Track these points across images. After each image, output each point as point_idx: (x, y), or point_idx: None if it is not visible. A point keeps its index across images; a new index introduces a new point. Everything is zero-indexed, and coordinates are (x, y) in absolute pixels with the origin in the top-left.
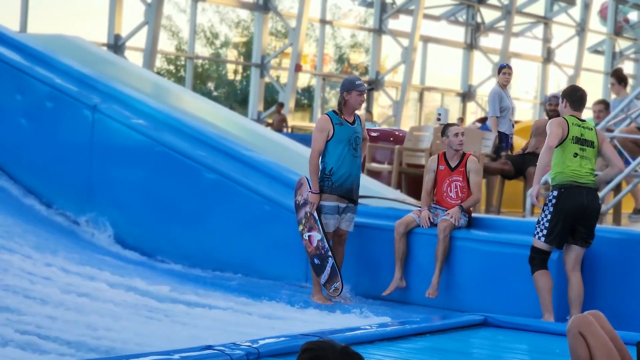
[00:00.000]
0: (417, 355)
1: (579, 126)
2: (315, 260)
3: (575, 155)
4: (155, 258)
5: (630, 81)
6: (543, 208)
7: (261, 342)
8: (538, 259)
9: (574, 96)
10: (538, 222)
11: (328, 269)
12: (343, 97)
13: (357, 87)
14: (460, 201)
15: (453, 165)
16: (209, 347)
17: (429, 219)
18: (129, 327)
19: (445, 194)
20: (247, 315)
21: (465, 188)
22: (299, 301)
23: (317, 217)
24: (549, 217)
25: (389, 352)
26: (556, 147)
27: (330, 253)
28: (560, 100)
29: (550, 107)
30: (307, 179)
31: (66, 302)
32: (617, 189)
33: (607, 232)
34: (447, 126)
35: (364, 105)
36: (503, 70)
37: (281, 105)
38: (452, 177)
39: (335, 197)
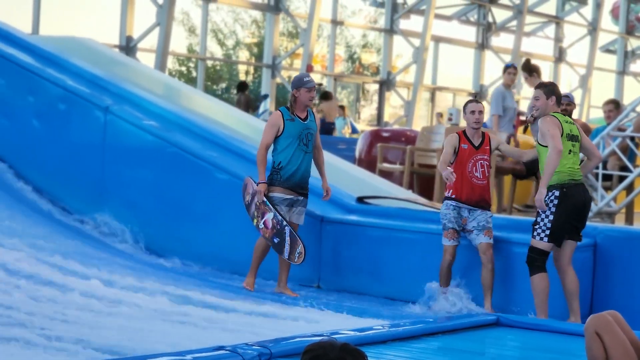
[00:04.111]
0: (429, 355)
1: (567, 122)
2: (275, 240)
3: (570, 152)
4: (166, 258)
5: None
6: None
7: (273, 343)
8: (540, 261)
9: (558, 92)
10: (536, 223)
11: (287, 238)
12: (293, 94)
13: (305, 84)
14: (486, 181)
15: (476, 143)
16: (221, 348)
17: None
18: (139, 327)
19: (470, 173)
20: (259, 316)
21: (489, 167)
22: (310, 302)
23: (266, 200)
24: (550, 217)
25: (402, 352)
26: None
27: (284, 223)
28: (544, 97)
29: (562, 107)
30: (251, 178)
31: (77, 303)
32: (630, 188)
33: (619, 232)
34: (467, 103)
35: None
36: (508, 70)
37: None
38: (477, 155)
39: (283, 189)
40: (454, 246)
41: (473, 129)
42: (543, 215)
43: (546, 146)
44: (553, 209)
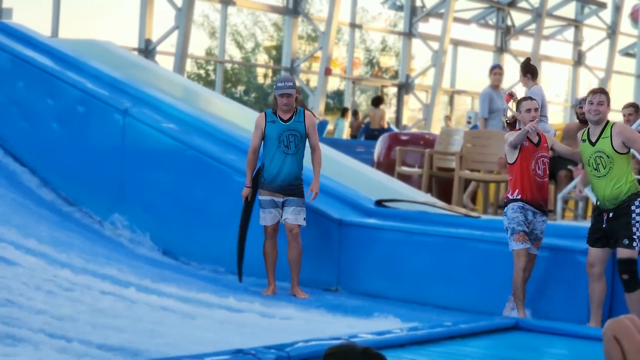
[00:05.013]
0: (448, 359)
1: None
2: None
3: None
4: (185, 261)
5: None
6: (634, 217)
7: (291, 346)
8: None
9: None
10: (634, 233)
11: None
12: (274, 96)
13: (277, 89)
14: (547, 178)
15: (535, 141)
16: (240, 351)
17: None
18: (158, 330)
19: (533, 171)
20: (277, 319)
21: (548, 165)
22: (328, 305)
23: (242, 210)
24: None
25: (420, 356)
26: (627, 153)
27: (237, 245)
28: (606, 103)
29: (581, 110)
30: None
31: (96, 306)
32: None
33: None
34: (520, 101)
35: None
36: (494, 71)
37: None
38: (538, 152)
39: (268, 192)
40: (527, 249)
41: None
42: (638, 225)
43: (624, 154)
44: None
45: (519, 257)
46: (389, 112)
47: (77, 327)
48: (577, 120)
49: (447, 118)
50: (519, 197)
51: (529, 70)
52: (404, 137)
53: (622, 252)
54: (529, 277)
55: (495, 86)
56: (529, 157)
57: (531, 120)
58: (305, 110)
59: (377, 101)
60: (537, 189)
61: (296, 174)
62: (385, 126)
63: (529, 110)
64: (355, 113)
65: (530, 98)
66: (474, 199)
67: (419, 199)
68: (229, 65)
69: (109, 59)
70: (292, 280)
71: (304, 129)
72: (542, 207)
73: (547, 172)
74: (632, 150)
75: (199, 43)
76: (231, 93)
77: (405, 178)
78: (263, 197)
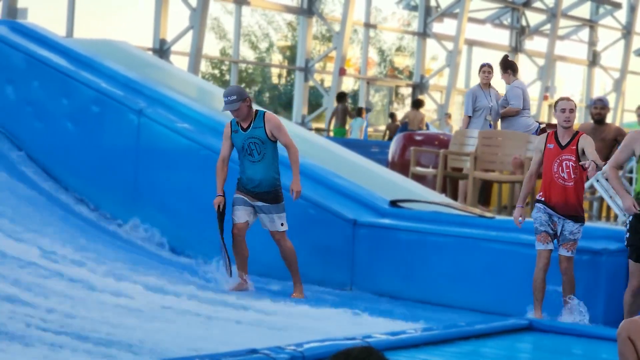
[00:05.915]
0: (462, 359)
1: None
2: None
3: None
4: (200, 261)
5: None
6: None
7: (306, 346)
8: None
9: None
10: None
11: (221, 260)
12: None
13: (224, 104)
14: (573, 183)
15: (563, 143)
16: (254, 351)
17: (522, 218)
18: (173, 329)
19: (556, 174)
20: (292, 319)
21: (578, 168)
22: (343, 305)
23: (217, 222)
24: None
25: (434, 357)
26: None
27: (221, 243)
28: None
29: (596, 110)
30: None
31: (110, 305)
32: None
33: None
34: (558, 100)
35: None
36: (483, 69)
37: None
38: (562, 155)
39: (243, 193)
40: (549, 251)
41: (563, 127)
42: None
43: None
44: None
45: (539, 257)
46: (402, 111)
47: (92, 326)
48: (592, 121)
49: (447, 116)
50: (542, 199)
51: (509, 66)
52: (418, 138)
53: None
54: (571, 281)
55: (484, 84)
56: (551, 159)
57: (565, 121)
58: (266, 114)
59: (418, 104)
60: (560, 193)
61: (267, 180)
62: (425, 128)
63: (563, 110)
64: (392, 116)
65: (568, 99)
66: (487, 199)
67: (434, 199)
68: (243, 65)
69: (123, 59)
70: (293, 281)
71: (263, 133)
72: (571, 213)
73: (574, 176)
74: None
75: (214, 43)
76: None
77: (419, 178)
78: (236, 195)
